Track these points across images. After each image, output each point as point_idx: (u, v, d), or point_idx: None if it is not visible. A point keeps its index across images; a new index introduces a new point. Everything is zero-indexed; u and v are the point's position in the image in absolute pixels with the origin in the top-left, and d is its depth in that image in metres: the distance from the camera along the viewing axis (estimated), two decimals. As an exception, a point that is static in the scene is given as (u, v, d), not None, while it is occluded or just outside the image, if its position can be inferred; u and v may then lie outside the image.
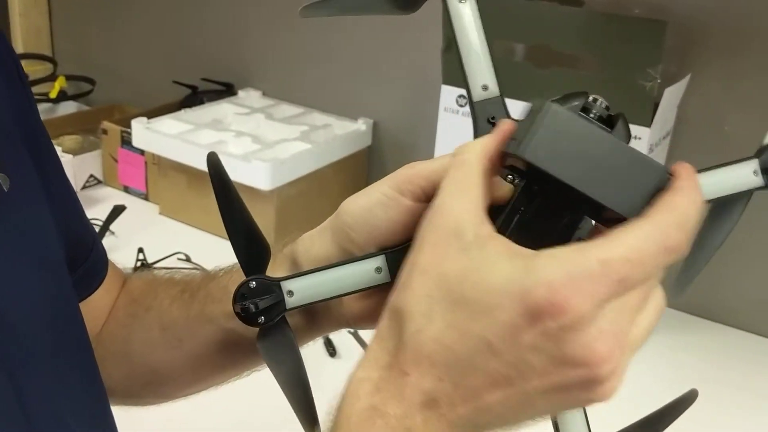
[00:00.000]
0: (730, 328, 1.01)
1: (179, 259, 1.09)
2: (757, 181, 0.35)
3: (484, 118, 0.38)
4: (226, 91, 1.40)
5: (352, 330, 0.94)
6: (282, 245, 0.43)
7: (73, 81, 1.53)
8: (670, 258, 0.29)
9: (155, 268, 1.06)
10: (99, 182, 1.33)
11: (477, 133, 0.38)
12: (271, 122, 1.25)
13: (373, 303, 0.40)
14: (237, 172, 1.05)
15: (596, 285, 0.28)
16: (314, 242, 0.41)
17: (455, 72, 0.98)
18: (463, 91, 1.13)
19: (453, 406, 0.30)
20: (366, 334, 0.93)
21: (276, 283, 0.38)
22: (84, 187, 1.31)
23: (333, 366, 0.90)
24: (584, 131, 0.31)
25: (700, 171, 0.35)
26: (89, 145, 1.37)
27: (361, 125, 1.23)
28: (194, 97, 1.38)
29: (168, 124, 1.22)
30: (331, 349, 0.92)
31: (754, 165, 0.35)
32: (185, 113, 1.27)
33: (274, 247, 0.41)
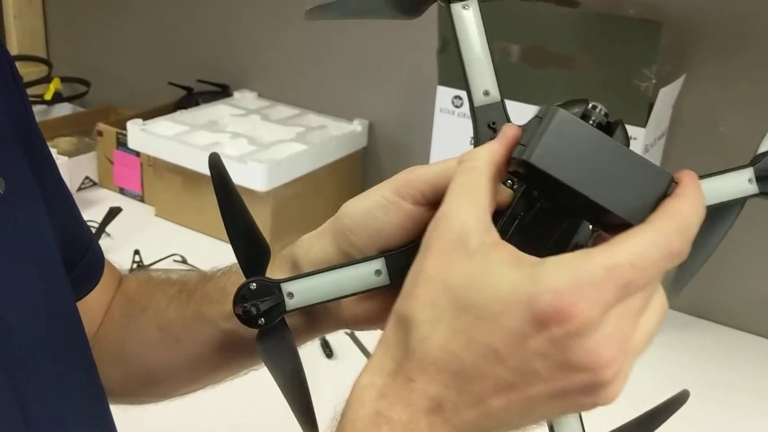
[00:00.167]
0: (729, 329, 1.02)
1: (175, 260, 1.09)
2: (752, 188, 0.36)
3: (484, 123, 0.38)
4: (222, 92, 1.39)
5: (349, 331, 0.94)
6: (281, 246, 0.43)
7: (68, 83, 1.53)
8: (672, 263, 0.30)
9: (151, 269, 1.05)
10: (94, 184, 1.33)
11: (477, 138, 0.38)
12: (266, 123, 1.25)
13: (372, 305, 0.40)
14: (233, 174, 1.04)
15: (601, 291, 0.28)
16: (314, 244, 0.41)
17: (451, 73, 0.99)
18: (459, 92, 1.14)
19: (458, 412, 0.30)
20: (364, 337, 0.93)
21: (276, 285, 0.38)
22: (79, 189, 1.30)
23: (330, 367, 0.90)
24: (591, 137, 0.31)
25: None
26: (84, 147, 1.37)
27: (357, 126, 1.23)
28: (189, 99, 1.38)
29: (163, 125, 1.22)
30: (328, 351, 0.92)
31: (749, 173, 0.36)
32: (181, 115, 1.27)
33: (273, 248, 0.41)
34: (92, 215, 1.13)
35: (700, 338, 1.00)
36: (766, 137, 0.37)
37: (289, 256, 0.42)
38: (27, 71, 1.49)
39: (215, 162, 0.38)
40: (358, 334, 0.93)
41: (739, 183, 0.36)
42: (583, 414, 0.35)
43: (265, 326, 0.38)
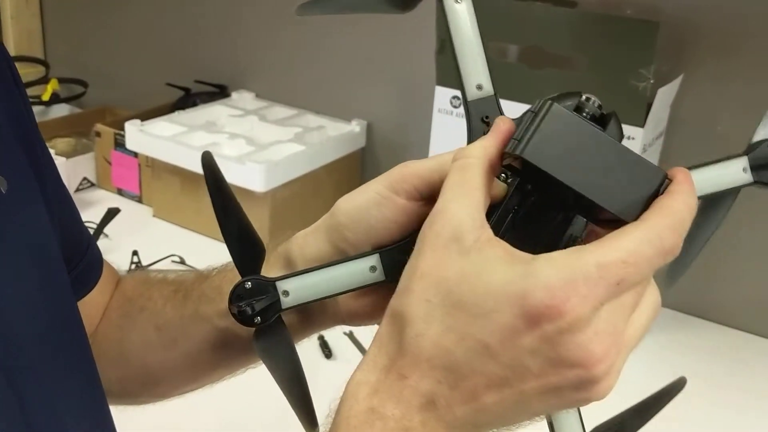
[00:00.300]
0: (725, 328, 1.02)
1: (173, 261, 1.09)
2: (746, 177, 0.36)
3: (478, 117, 0.38)
4: (220, 92, 1.39)
5: (347, 332, 0.94)
6: (276, 244, 0.43)
7: (66, 83, 1.52)
8: (664, 260, 0.30)
9: (149, 270, 1.05)
10: (92, 185, 1.33)
11: (471, 132, 0.38)
12: (264, 124, 1.25)
13: (368, 301, 0.40)
14: (231, 174, 1.05)
15: (593, 288, 0.28)
16: (308, 241, 0.41)
17: (449, 73, 0.99)
18: (457, 92, 1.13)
19: (451, 408, 0.30)
20: (363, 337, 0.93)
21: (271, 283, 0.38)
22: (77, 190, 1.30)
23: (329, 367, 0.90)
24: (584, 132, 0.31)
25: (691, 168, 0.35)
26: (82, 148, 1.37)
27: (355, 127, 1.23)
28: (187, 99, 1.38)
29: (161, 126, 1.22)
30: (326, 351, 0.92)
31: (743, 162, 0.36)
32: (179, 115, 1.26)
33: (267, 246, 0.41)
34: (90, 216, 1.13)
35: (696, 337, 1.00)
36: (759, 126, 0.37)
37: (284, 254, 0.42)
38: (24, 72, 1.49)
39: (208, 161, 0.38)
40: (357, 334, 0.94)
41: (733, 172, 0.36)
42: (581, 411, 0.35)
43: (261, 325, 0.38)
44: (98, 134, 1.31)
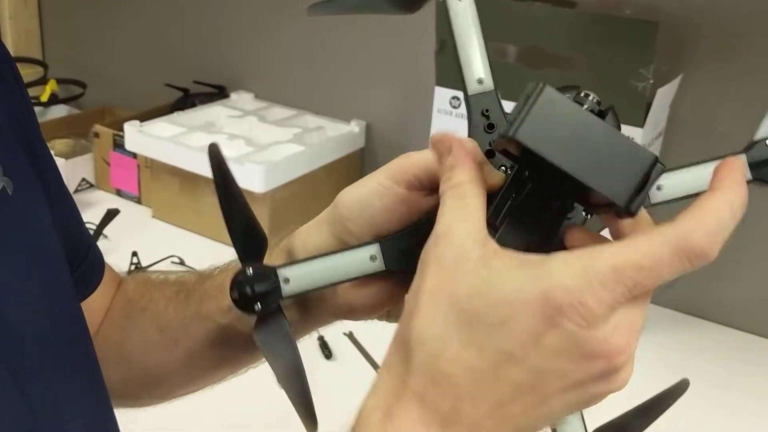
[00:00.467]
0: (726, 328, 1.02)
1: (173, 262, 1.08)
2: (746, 175, 0.36)
3: (478, 110, 0.38)
4: (218, 93, 1.39)
5: (347, 332, 0.94)
6: (278, 240, 0.44)
7: (64, 84, 1.52)
8: (693, 264, 0.29)
9: (149, 271, 1.05)
10: (91, 186, 1.33)
11: (471, 125, 0.39)
12: (263, 125, 1.24)
13: (367, 292, 0.40)
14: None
15: (609, 291, 0.29)
16: (310, 234, 0.42)
17: (449, 73, 0.99)
18: (457, 93, 1.14)
19: (476, 423, 0.30)
20: (363, 338, 0.93)
21: (272, 270, 0.39)
22: (76, 191, 1.30)
23: (329, 368, 0.90)
24: (576, 115, 0.32)
25: (688, 165, 0.36)
26: (81, 149, 1.37)
27: (354, 127, 1.23)
28: (186, 100, 1.38)
29: (160, 127, 1.22)
30: (326, 351, 0.92)
31: (742, 159, 0.36)
32: (178, 116, 1.26)
33: (270, 241, 0.41)
34: (89, 217, 1.13)
35: (696, 337, 1.00)
36: (761, 125, 0.37)
37: (286, 247, 0.43)
38: (23, 73, 1.46)
39: (214, 152, 0.38)
40: (357, 335, 0.93)
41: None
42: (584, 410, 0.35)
43: (261, 311, 0.39)
44: (97, 135, 1.31)
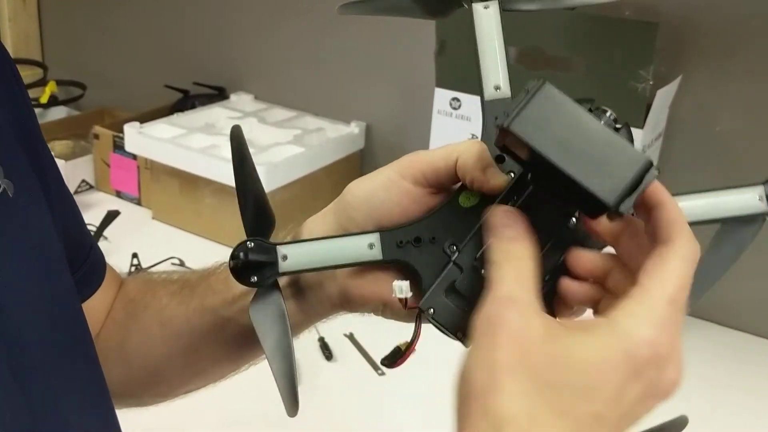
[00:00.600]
0: (726, 328, 1.02)
1: (173, 264, 1.08)
2: (761, 206, 0.37)
3: (492, 116, 0.39)
4: (218, 95, 1.39)
5: (347, 333, 0.94)
6: (287, 233, 0.44)
7: (64, 86, 1.52)
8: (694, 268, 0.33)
9: (150, 272, 1.05)
10: (90, 187, 1.33)
11: (485, 131, 0.39)
12: (263, 126, 1.25)
13: (362, 282, 0.41)
14: (231, 177, 1.05)
15: (675, 323, 0.31)
16: (317, 221, 0.43)
17: (448, 74, 0.99)
18: (457, 94, 1.14)
19: None
20: (363, 339, 0.93)
21: (272, 246, 0.40)
22: (76, 192, 1.30)
23: (329, 369, 0.90)
24: (574, 112, 0.32)
25: (705, 191, 0.36)
26: (80, 150, 1.37)
27: (354, 128, 1.23)
28: (186, 101, 1.38)
29: (160, 128, 1.22)
30: (327, 353, 0.92)
31: (759, 191, 0.37)
32: (177, 117, 1.26)
33: (277, 234, 0.42)
34: (89, 218, 1.12)
35: (696, 338, 1.00)
36: None
37: (293, 238, 0.43)
38: (22, 74, 1.48)
39: (236, 133, 0.40)
40: (357, 336, 0.94)
41: (748, 199, 0.37)
42: None
43: (257, 285, 0.40)
44: (97, 136, 1.31)
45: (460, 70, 0.96)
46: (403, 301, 0.39)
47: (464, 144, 0.39)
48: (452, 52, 0.96)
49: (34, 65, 1.53)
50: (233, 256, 0.40)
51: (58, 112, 1.51)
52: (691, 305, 0.36)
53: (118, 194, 1.31)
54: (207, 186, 1.15)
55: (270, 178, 1.08)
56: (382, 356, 0.40)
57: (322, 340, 0.92)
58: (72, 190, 1.28)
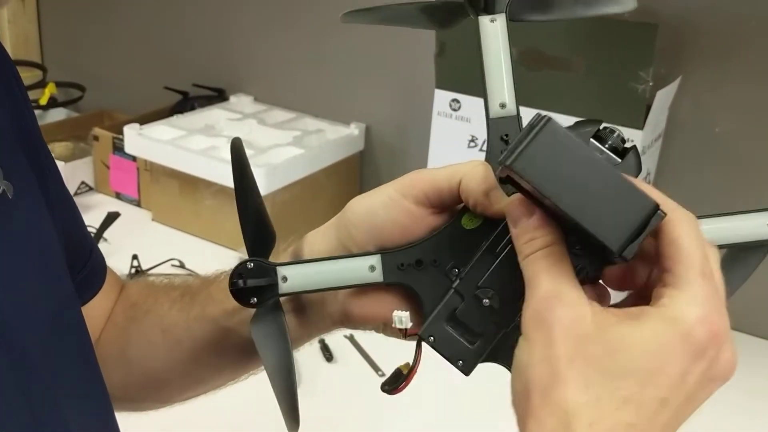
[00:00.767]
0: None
1: (173, 265, 1.08)
2: None
3: (497, 135, 0.38)
4: (218, 96, 1.39)
5: (348, 335, 0.94)
6: (287, 245, 0.44)
7: (63, 87, 1.52)
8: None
9: (150, 274, 1.05)
10: (90, 189, 1.33)
11: (489, 149, 0.38)
12: (263, 127, 1.25)
13: (364, 302, 0.41)
14: (231, 178, 1.05)
15: (716, 295, 0.31)
16: (318, 237, 0.43)
17: (448, 76, 0.99)
18: (457, 95, 1.13)
19: None
20: (363, 340, 0.93)
21: (272, 267, 0.40)
22: (75, 194, 1.30)
23: (329, 370, 0.90)
24: (578, 151, 0.31)
25: (714, 215, 0.36)
26: (80, 152, 1.37)
27: (354, 130, 1.23)
28: (185, 103, 1.38)
29: (160, 130, 1.22)
30: (327, 354, 0.92)
31: (767, 217, 0.36)
32: (177, 119, 1.26)
33: (279, 246, 0.42)
34: (89, 220, 1.11)
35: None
36: None
37: (294, 251, 0.43)
38: (21, 76, 1.48)
39: (237, 147, 0.40)
40: (357, 337, 0.93)
41: (756, 225, 0.36)
42: None
43: (258, 305, 0.39)
44: (96, 138, 1.31)
45: (460, 72, 0.96)
46: (403, 331, 0.38)
47: (468, 165, 0.38)
48: (452, 53, 0.96)
49: (33, 67, 1.53)
50: (232, 281, 0.39)
51: (58, 114, 1.51)
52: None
53: (118, 196, 1.31)
54: (207, 187, 1.15)
55: (270, 180, 1.08)
56: (383, 381, 0.40)
57: (322, 341, 0.92)
58: (71, 191, 1.28)
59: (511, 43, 0.40)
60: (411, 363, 0.39)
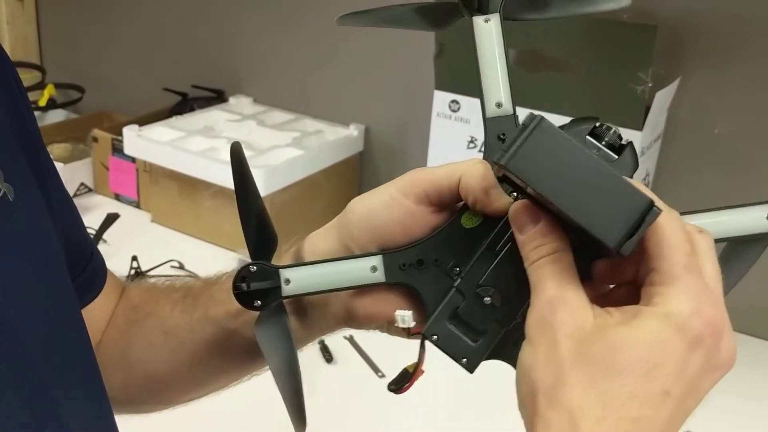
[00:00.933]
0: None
1: (172, 266, 1.08)
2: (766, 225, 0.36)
3: (494, 134, 0.39)
4: (217, 97, 1.39)
5: (348, 336, 0.94)
6: (289, 246, 0.44)
7: (62, 89, 1.52)
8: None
9: (150, 276, 1.05)
10: (89, 190, 1.33)
11: (487, 148, 0.39)
12: (262, 129, 1.25)
13: (367, 302, 0.41)
14: (230, 179, 1.05)
15: (712, 290, 0.32)
16: (319, 238, 0.43)
17: (448, 77, 0.99)
18: (456, 96, 1.13)
19: None
20: (363, 341, 0.93)
21: (275, 270, 0.40)
22: (74, 196, 1.30)
23: (329, 371, 0.90)
24: (572, 151, 0.31)
25: (711, 209, 0.36)
26: (79, 153, 1.37)
27: (353, 131, 1.23)
28: (184, 104, 1.38)
29: (159, 131, 1.22)
30: (327, 355, 0.92)
31: (765, 210, 0.36)
32: (176, 120, 1.26)
33: (281, 247, 0.42)
34: (88, 221, 1.11)
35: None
36: None
37: (295, 252, 0.43)
38: (21, 78, 1.48)
39: (236, 151, 0.40)
40: (357, 338, 0.93)
41: (755, 218, 0.36)
42: None
43: (261, 308, 0.40)
44: (95, 139, 1.31)
45: (459, 73, 0.96)
46: (407, 330, 0.39)
47: (468, 163, 0.38)
48: (451, 54, 0.96)
49: (32, 68, 1.53)
50: (236, 285, 0.39)
51: (57, 115, 1.51)
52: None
53: (117, 197, 1.31)
54: (206, 189, 1.15)
55: (269, 181, 1.08)
56: (389, 381, 0.40)
57: (322, 342, 0.92)
58: (71, 193, 1.28)
59: (506, 42, 0.40)
60: (416, 362, 0.39)
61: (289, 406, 0.39)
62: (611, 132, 0.35)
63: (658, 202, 0.32)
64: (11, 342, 0.37)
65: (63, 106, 1.51)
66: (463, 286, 0.38)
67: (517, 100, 0.39)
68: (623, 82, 0.86)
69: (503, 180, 0.35)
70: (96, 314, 0.52)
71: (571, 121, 0.35)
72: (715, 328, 0.31)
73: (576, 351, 0.31)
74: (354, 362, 0.91)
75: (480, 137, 0.95)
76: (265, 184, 1.07)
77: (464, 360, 0.37)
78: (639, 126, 0.87)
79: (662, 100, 0.92)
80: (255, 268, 0.39)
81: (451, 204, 0.39)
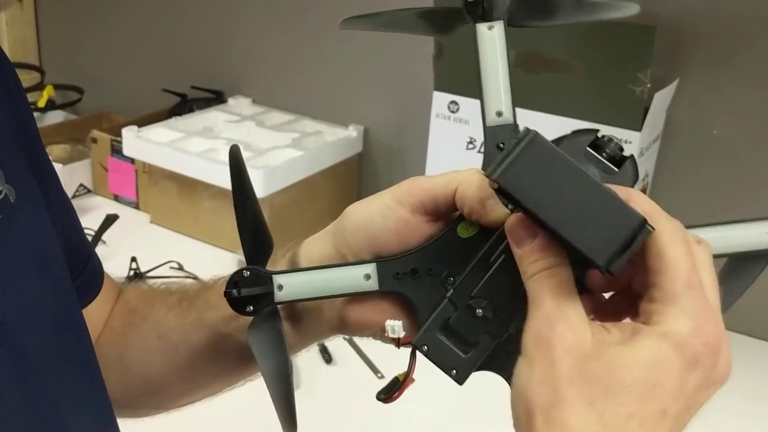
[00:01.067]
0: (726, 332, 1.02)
1: (171, 267, 1.08)
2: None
3: (494, 143, 0.38)
4: (216, 98, 1.39)
5: (347, 337, 0.94)
6: (286, 250, 0.44)
7: (61, 90, 1.52)
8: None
9: (149, 277, 1.05)
10: (88, 191, 1.33)
11: (486, 157, 0.38)
12: (262, 129, 1.25)
13: (361, 310, 0.41)
14: (229, 180, 1.05)
15: (703, 303, 0.31)
16: (315, 244, 0.43)
17: (447, 78, 0.99)
18: (455, 97, 1.13)
19: None
20: (363, 342, 0.93)
21: (268, 275, 0.40)
22: (74, 197, 1.30)
23: (329, 373, 0.90)
24: (563, 165, 0.31)
25: (714, 224, 0.36)
26: (78, 154, 1.37)
27: (352, 132, 1.23)
28: (184, 105, 1.38)
29: (158, 132, 1.22)
30: (326, 356, 0.92)
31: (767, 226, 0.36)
32: (175, 121, 1.26)
33: (277, 251, 0.42)
34: (87, 223, 1.12)
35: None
36: None
37: (291, 257, 0.43)
38: (20, 79, 1.48)
39: (234, 153, 0.40)
40: (356, 340, 0.93)
41: (756, 234, 0.36)
42: None
43: (254, 314, 0.40)
44: (94, 140, 1.31)
45: (458, 74, 0.96)
46: (396, 341, 0.39)
47: (465, 173, 0.38)
48: (450, 55, 0.96)
49: (31, 69, 1.53)
50: (228, 290, 0.39)
51: (56, 117, 1.51)
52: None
53: (116, 198, 1.30)
54: (205, 190, 1.15)
55: (268, 182, 1.08)
56: (378, 390, 0.40)
57: (321, 343, 0.92)
58: (70, 194, 1.29)
59: (509, 49, 0.39)
60: (405, 371, 0.39)
61: (280, 411, 0.38)
62: (612, 144, 0.34)
63: (660, 214, 0.32)
64: (11, 342, 0.37)
65: (62, 107, 1.51)
66: (455, 296, 0.38)
67: (516, 101, 0.39)
68: (622, 82, 0.86)
69: (499, 191, 0.35)
70: (93, 316, 0.52)
71: (572, 132, 0.35)
72: (713, 346, 0.31)
73: (574, 369, 0.31)
74: (353, 363, 0.91)
75: (479, 138, 0.95)
76: (264, 185, 1.07)
77: (454, 371, 0.37)
78: (638, 127, 0.87)
79: (661, 100, 0.92)
80: (248, 273, 0.39)
81: (447, 213, 0.39)
